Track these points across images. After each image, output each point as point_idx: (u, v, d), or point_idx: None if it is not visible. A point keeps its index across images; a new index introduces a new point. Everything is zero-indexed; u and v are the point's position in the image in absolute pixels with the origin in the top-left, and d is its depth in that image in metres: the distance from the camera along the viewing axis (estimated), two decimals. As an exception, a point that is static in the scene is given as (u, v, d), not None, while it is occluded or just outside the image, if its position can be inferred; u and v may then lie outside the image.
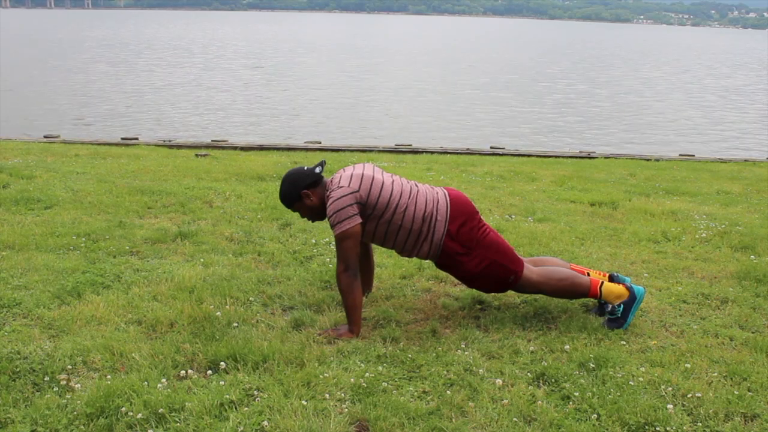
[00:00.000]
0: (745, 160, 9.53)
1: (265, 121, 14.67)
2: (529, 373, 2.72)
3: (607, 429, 2.35)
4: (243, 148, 9.04)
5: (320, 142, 10.00)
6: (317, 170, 3.20)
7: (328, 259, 4.04)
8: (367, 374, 2.64)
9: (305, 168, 3.23)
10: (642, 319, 3.26)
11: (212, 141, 9.83)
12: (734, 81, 28.79)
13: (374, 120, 15.44)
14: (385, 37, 60.52)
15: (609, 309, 3.19)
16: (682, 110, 18.73)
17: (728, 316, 3.34)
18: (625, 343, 3.00)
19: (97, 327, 3.03)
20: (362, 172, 3.13)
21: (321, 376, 2.61)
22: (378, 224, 3.13)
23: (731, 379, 2.70)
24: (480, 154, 9.28)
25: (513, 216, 5.18)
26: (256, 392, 2.50)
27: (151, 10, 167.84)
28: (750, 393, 2.58)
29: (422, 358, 2.80)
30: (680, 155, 10.01)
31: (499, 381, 2.64)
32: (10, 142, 8.76)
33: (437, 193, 3.23)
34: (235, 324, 3.08)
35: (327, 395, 2.50)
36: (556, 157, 9.22)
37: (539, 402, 2.50)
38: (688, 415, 2.45)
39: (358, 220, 3.05)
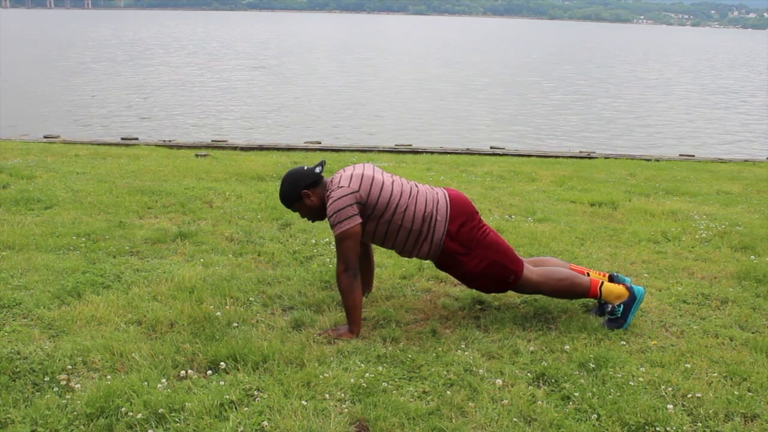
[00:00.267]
0: (745, 161, 9.53)
1: (265, 121, 14.67)
2: (529, 373, 2.72)
3: (607, 429, 2.35)
4: (243, 148, 9.04)
5: (320, 142, 10.00)
6: (317, 170, 3.20)
7: (328, 259, 4.04)
8: (367, 374, 2.64)
9: (305, 168, 3.23)
10: (642, 320, 3.26)
11: (212, 141, 9.84)
12: (734, 81, 28.79)
13: (374, 120, 15.44)
14: (385, 37, 60.53)
15: (609, 309, 3.19)
16: (682, 110, 18.73)
17: (728, 316, 3.34)
18: (625, 343, 3.00)
19: (97, 327, 3.03)
20: (362, 172, 3.13)
21: (321, 376, 2.61)
22: (378, 224, 3.13)
23: (731, 379, 2.70)
24: (480, 154, 9.28)
25: (513, 216, 5.18)
26: (256, 392, 2.50)
27: (151, 10, 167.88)
28: (750, 393, 2.58)
29: (422, 358, 2.80)
30: (680, 155, 10.01)
31: (499, 381, 2.64)
32: (10, 142, 8.76)
33: (437, 193, 3.23)
34: (235, 324, 3.08)
35: (327, 395, 2.50)
36: (556, 157, 9.22)
37: (539, 402, 2.50)
38: (688, 415, 2.45)
39: (358, 220, 3.05)
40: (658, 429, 2.34)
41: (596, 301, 3.31)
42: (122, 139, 9.88)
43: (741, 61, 43.80)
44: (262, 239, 4.41)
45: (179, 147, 9.01)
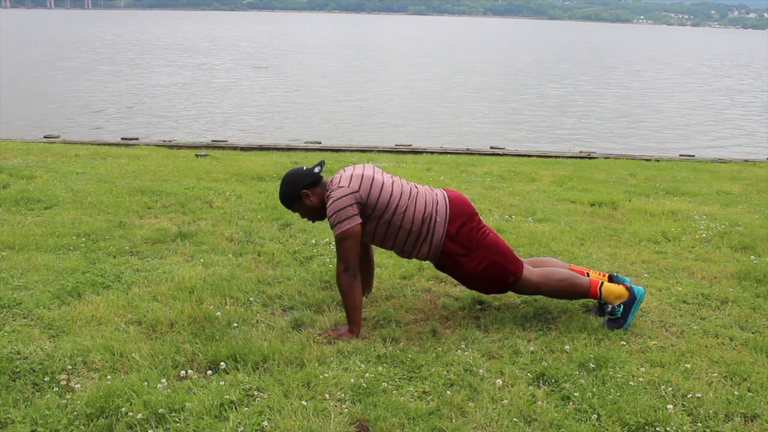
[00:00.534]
0: (745, 161, 9.53)
1: (265, 121, 14.67)
2: (529, 374, 2.72)
3: (607, 429, 2.35)
4: (243, 148, 9.04)
5: (320, 142, 10.00)
6: (316, 170, 3.20)
7: (328, 260, 4.04)
8: (367, 374, 2.64)
9: (304, 168, 3.23)
10: (642, 320, 3.26)
11: (212, 141, 9.84)
12: (735, 81, 28.80)
13: (374, 120, 15.44)
14: (385, 38, 60.53)
15: (609, 309, 3.19)
16: (682, 110, 18.73)
17: (728, 316, 3.34)
18: (625, 343, 3.00)
19: (97, 327, 3.03)
20: (362, 173, 3.13)
21: (321, 377, 2.61)
22: (378, 225, 3.13)
23: (731, 379, 2.70)
24: (480, 154, 9.28)
25: (513, 216, 5.18)
26: (256, 392, 2.50)
27: (151, 10, 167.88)
28: (750, 393, 2.58)
29: (422, 359, 2.80)
30: (680, 155, 10.01)
31: (499, 381, 2.64)
32: (10, 142, 8.76)
33: (436, 194, 3.23)
34: (235, 324, 3.08)
35: (327, 395, 2.50)
36: (556, 157, 9.21)
37: (539, 402, 2.50)
38: (688, 415, 2.45)
39: (358, 220, 3.05)
40: (658, 429, 2.34)
41: (596, 301, 3.31)
42: (122, 139, 9.88)
43: (741, 61, 43.80)
44: (262, 239, 4.41)
45: (179, 147, 9.01)
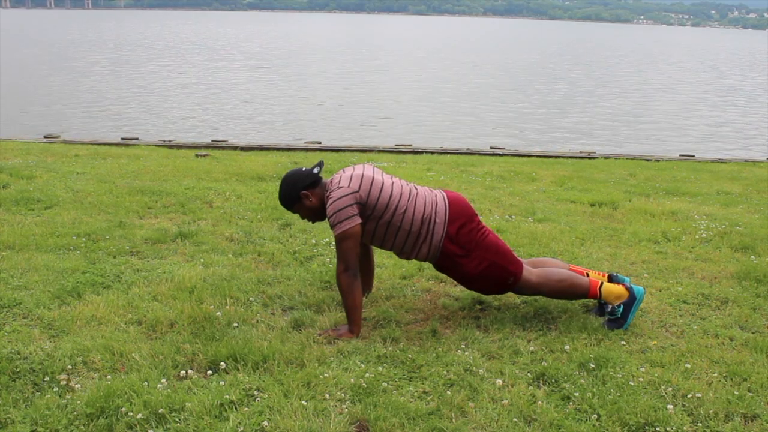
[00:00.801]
0: (745, 161, 9.53)
1: (265, 121, 14.67)
2: (529, 374, 2.72)
3: (607, 429, 2.35)
4: (243, 149, 9.04)
5: (320, 142, 10.00)
6: (315, 171, 3.20)
7: (328, 260, 4.04)
8: (367, 374, 2.64)
9: (303, 169, 3.23)
10: (642, 320, 3.26)
11: (212, 141, 9.84)
12: (735, 81, 28.79)
13: (374, 120, 15.44)
14: (385, 38, 60.52)
15: (609, 309, 3.19)
16: (682, 110, 18.73)
17: (728, 316, 3.34)
18: (625, 343, 3.00)
19: (97, 327, 3.03)
20: (362, 173, 3.14)
21: (321, 377, 2.61)
22: (377, 225, 3.13)
23: (731, 379, 2.70)
24: (480, 154, 9.28)
25: (513, 216, 5.18)
26: (256, 392, 2.50)
27: (151, 10, 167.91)
28: (750, 393, 2.58)
29: (422, 359, 2.80)
30: (680, 155, 10.00)
31: (499, 381, 2.64)
32: (10, 142, 8.76)
33: (436, 195, 3.23)
34: (235, 324, 3.08)
35: (327, 395, 2.50)
36: (556, 157, 9.21)
37: (539, 402, 2.50)
38: (688, 415, 2.45)
39: (358, 220, 3.05)
40: (658, 429, 2.34)
41: (596, 301, 3.31)
42: (122, 139, 9.88)
43: (741, 61, 43.79)
44: (262, 239, 4.41)
45: (179, 147, 9.01)
